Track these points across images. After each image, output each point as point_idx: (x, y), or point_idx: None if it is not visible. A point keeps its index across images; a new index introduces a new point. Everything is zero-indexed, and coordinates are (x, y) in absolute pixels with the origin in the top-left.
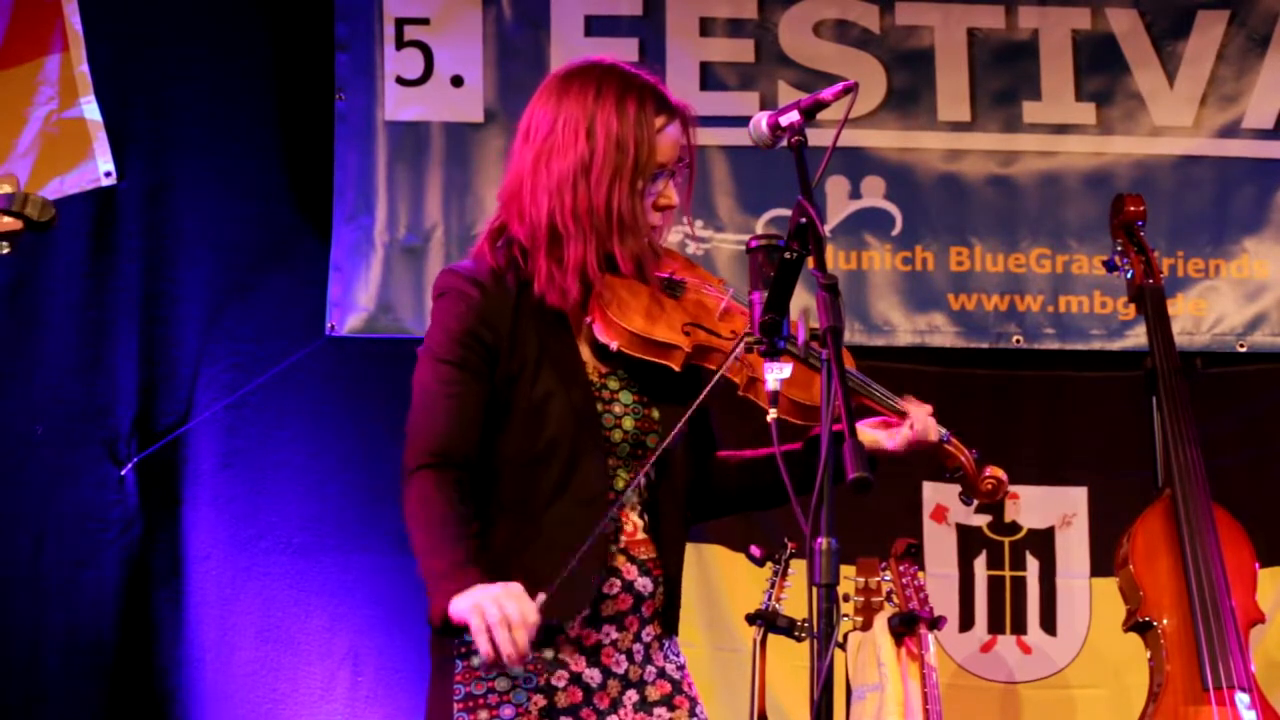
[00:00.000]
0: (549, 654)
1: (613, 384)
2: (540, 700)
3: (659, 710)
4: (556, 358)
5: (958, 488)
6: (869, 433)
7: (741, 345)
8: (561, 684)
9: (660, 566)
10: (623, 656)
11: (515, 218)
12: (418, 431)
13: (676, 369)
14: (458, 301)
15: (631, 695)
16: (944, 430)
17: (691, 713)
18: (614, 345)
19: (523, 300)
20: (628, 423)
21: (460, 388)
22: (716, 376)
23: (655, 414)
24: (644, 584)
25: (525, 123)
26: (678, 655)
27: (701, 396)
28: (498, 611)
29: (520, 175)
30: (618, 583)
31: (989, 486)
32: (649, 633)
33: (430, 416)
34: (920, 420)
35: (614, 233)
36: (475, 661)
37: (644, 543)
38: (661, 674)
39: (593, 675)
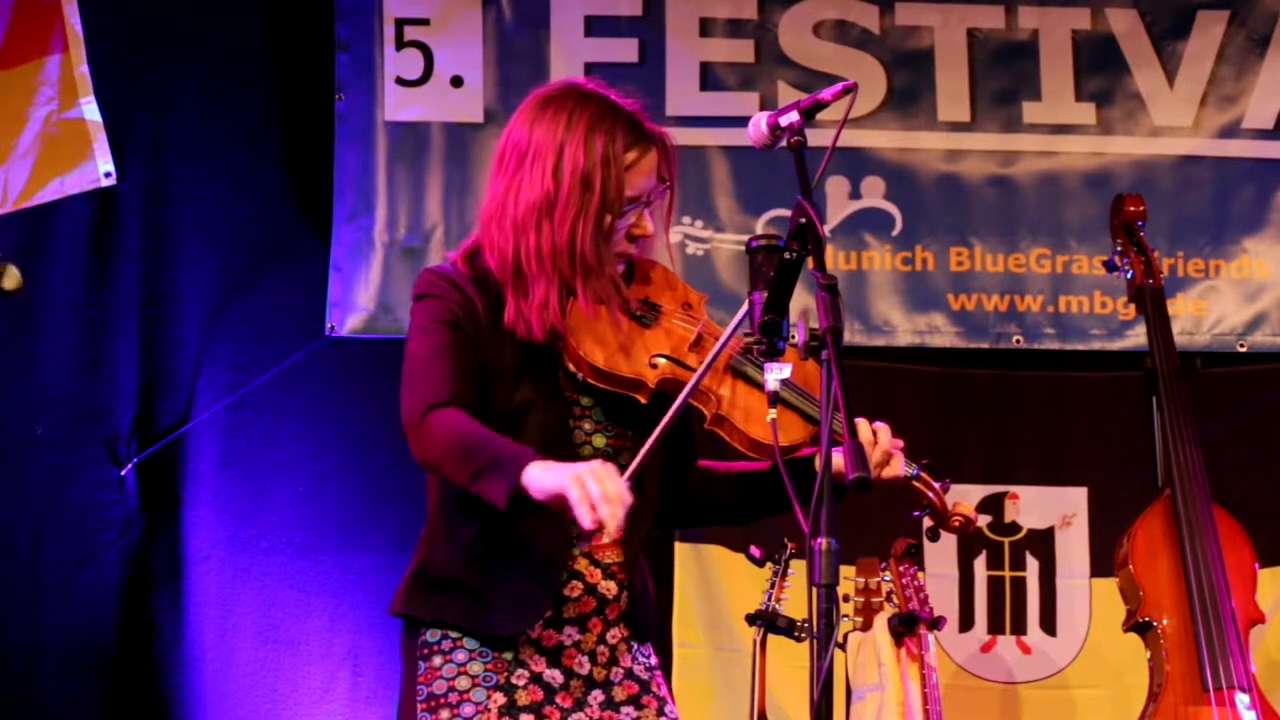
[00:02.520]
0: (508, 654)
1: (585, 400)
2: (500, 698)
3: (626, 709)
4: (532, 371)
5: (952, 497)
6: (836, 457)
7: (712, 363)
8: (522, 683)
9: (625, 570)
10: (585, 658)
11: (488, 247)
12: (421, 383)
13: (643, 402)
14: (441, 300)
15: (597, 695)
16: (913, 466)
17: (660, 711)
18: (580, 376)
19: (499, 311)
20: (599, 440)
21: (456, 348)
22: (690, 385)
23: (628, 432)
24: (608, 587)
25: (501, 146)
26: (648, 657)
27: (665, 422)
28: (598, 486)
29: (492, 204)
30: (579, 585)
31: (957, 523)
32: (614, 635)
33: (432, 369)
34: (881, 453)
35: (577, 274)
36: (437, 661)
37: (610, 547)
38: (629, 675)
39: (554, 675)
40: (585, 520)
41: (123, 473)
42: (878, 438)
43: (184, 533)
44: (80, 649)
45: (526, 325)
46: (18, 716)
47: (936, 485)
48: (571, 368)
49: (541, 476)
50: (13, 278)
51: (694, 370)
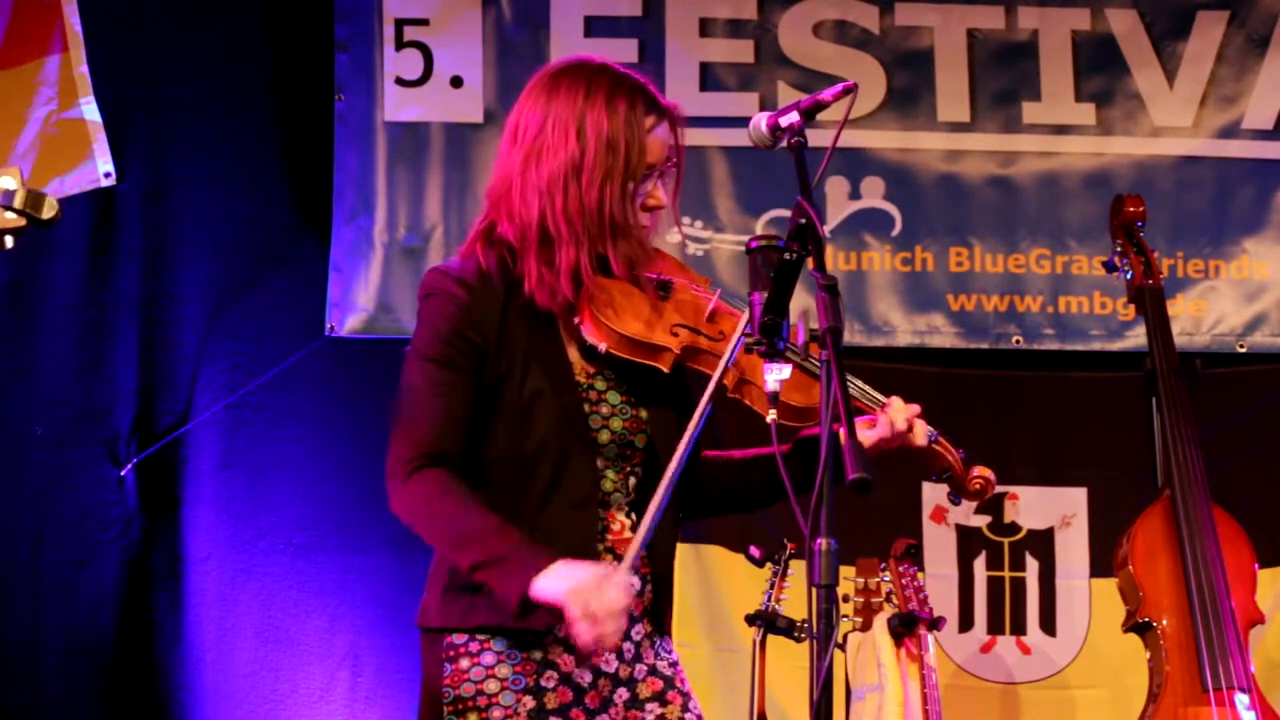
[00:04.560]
0: (537, 654)
1: (600, 384)
2: (529, 701)
3: (651, 706)
4: (544, 358)
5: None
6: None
7: (738, 347)
8: (551, 684)
9: (648, 565)
10: (612, 655)
11: (504, 218)
12: (408, 432)
13: (665, 370)
14: (445, 302)
15: (622, 693)
16: (932, 430)
17: (684, 708)
18: (602, 347)
19: (510, 300)
20: (615, 423)
21: (448, 388)
22: (715, 380)
23: (643, 414)
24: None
25: (513, 122)
26: (670, 653)
27: (704, 403)
28: (599, 604)
29: (509, 175)
30: None
31: (977, 486)
32: (639, 631)
33: (420, 417)
34: (899, 417)
35: (606, 234)
36: (464, 664)
37: (631, 541)
38: (653, 671)
39: (583, 675)
40: (584, 638)
41: (122, 473)
42: (895, 406)
43: (184, 533)
44: (80, 649)
45: (551, 290)
46: (17, 716)
47: (954, 451)
48: (591, 340)
49: (547, 586)
50: (51, 207)
51: (712, 339)
